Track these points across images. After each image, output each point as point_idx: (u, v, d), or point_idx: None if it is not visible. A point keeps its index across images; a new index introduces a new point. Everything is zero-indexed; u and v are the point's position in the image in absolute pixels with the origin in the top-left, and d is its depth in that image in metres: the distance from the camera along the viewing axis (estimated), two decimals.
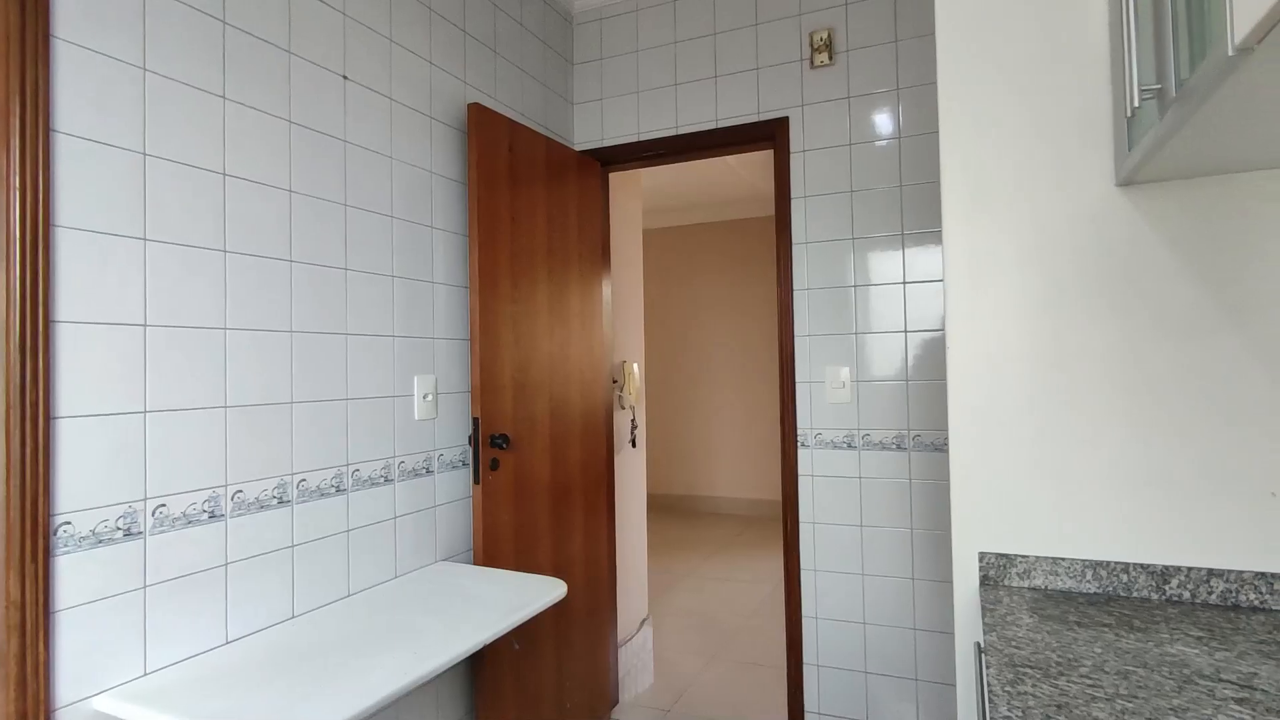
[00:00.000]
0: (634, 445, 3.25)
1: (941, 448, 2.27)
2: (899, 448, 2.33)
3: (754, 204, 6.25)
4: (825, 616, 2.40)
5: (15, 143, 1.12)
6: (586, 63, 2.90)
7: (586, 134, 2.89)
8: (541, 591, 1.71)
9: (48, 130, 1.16)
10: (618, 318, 3.12)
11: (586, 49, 2.90)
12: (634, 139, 2.80)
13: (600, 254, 2.83)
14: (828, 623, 2.40)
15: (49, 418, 1.13)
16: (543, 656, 2.30)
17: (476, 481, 2.06)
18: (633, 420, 3.25)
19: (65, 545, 1.14)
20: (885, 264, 2.38)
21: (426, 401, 1.98)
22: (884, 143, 2.39)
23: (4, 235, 1.10)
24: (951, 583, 2.22)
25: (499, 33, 2.43)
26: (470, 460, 2.15)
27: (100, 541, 1.19)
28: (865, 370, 2.39)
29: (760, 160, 5.09)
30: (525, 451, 2.27)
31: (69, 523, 1.15)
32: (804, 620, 2.43)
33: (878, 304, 2.38)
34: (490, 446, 2.10)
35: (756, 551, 5.18)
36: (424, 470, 1.97)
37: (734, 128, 2.63)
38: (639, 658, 3.07)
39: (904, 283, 2.35)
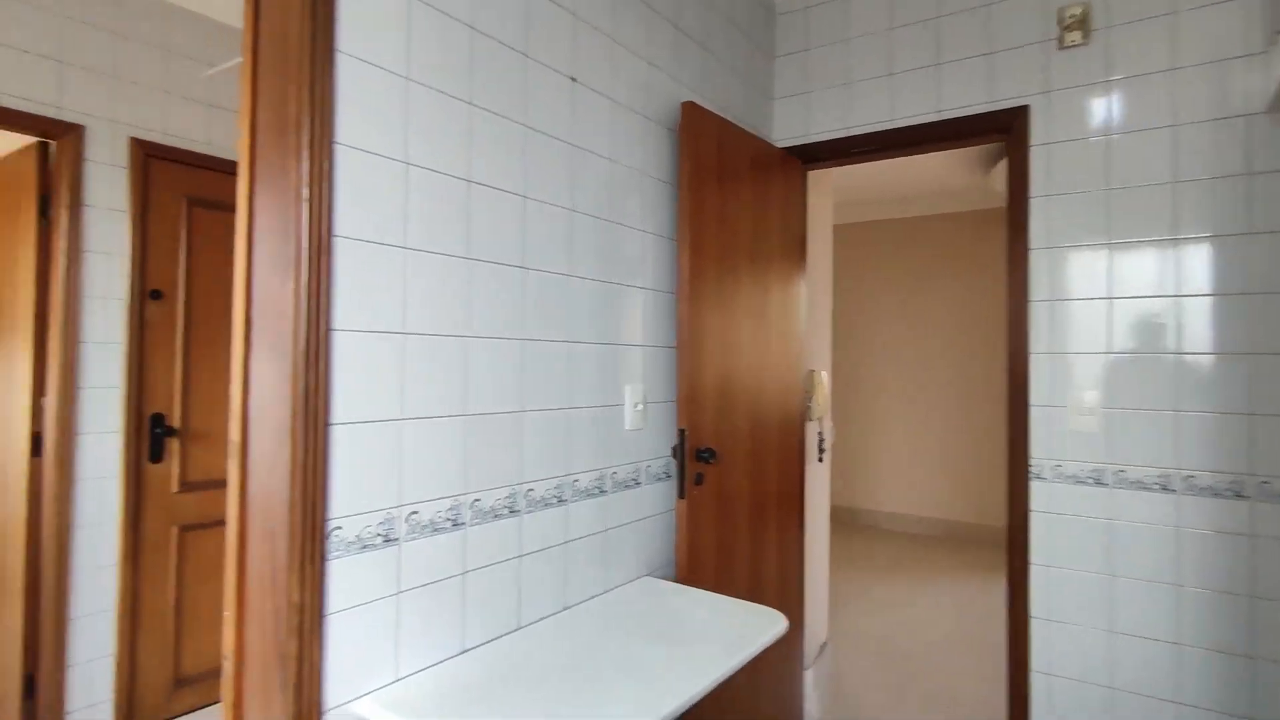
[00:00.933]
0: (821, 460, 3.06)
1: (1223, 493, 1.91)
2: (1164, 489, 1.98)
3: (939, 200, 5.79)
4: (1060, 674, 2.10)
5: (305, 155, 1.14)
6: (789, 55, 2.74)
7: (787, 130, 2.74)
8: (762, 624, 1.59)
9: (330, 142, 1.19)
10: (807, 323, 2.94)
11: (790, 40, 2.74)
12: (841, 134, 2.61)
13: (798, 257, 2.67)
14: (1063, 681, 2.10)
15: (326, 424, 1.16)
16: (737, 686, 2.19)
17: (681, 496, 1.98)
18: (820, 433, 3.06)
19: (336, 550, 1.17)
20: (1150, 274, 2.03)
21: (637, 411, 1.92)
22: (1153, 132, 2.04)
23: (294, 247, 1.14)
24: (1241, 655, 1.86)
25: (708, 26, 2.33)
26: (674, 473, 2.07)
27: (365, 547, 1.21)
28: (1119, 396, 2.06)
29: (951, 153, 4.68)
30: (727, 465, 2.16)
31: (340, 528, 1.17)
32: (1032, 675, 2.15)
33: (1139, 320, 2.04)
34: (696, 460, 2.01)
35: (931, 574, 4.79)
36: (633, 482, 1.92)
37: (959, 120, 2.37)
38: (820, 686, 2.89)
39: (1177, 296, 1.99)
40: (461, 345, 1.42)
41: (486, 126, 1.50)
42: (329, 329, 1.17)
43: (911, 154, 2.54)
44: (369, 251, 1.25)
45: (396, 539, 1.27)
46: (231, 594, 1.17)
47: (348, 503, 1.19)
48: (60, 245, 2.38)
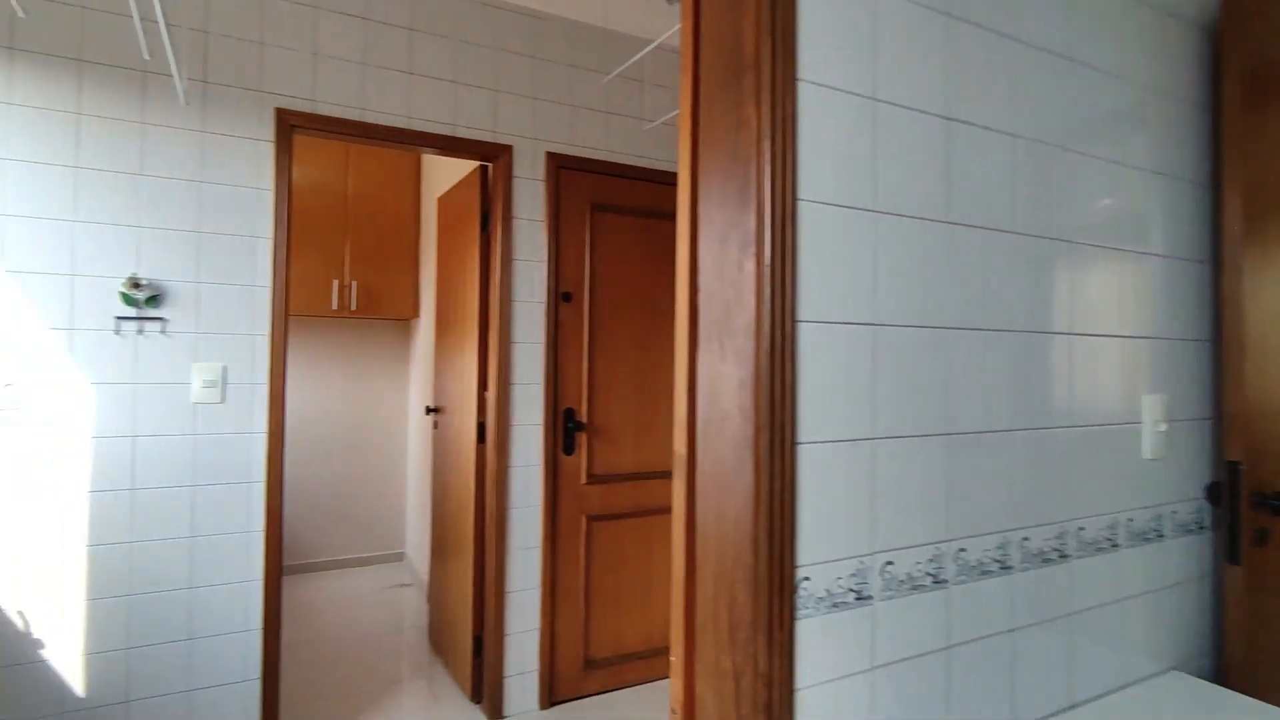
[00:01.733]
0: None
1: None
2: None
3: None
4: None
5: (766, 98, 0.90)
6: None
7: None
8: None
9: (793, 80, 0.93)
10: None
11: None
12: None
13: None
14: None
15: (794, 442, 0.90)
16: None
17: (1234, 560, 1.34)
18: None
19: (804, 607, 0.90)
20: None
21: (1159, 433, 1.35)
22: None
23: (755, 215, 0.90)
24: None
25: None
26: (1215, 524, 1.44)
27: (835, 605, 0.93)
28: None
29: None
30: None
31: (808, 578, 0.91)
32: None
33: None
34: (1255, 508, 1.35)
35: None
36: (1153, 533, 1.35)
37: None
38: None
39: None
40: (940, 340, 1.06)
41: (966, 42, 1.12)
42: (794, 320, 0.91)
43: None
44: (833, 218, 0.96)
45: (870, 597, 0.96)
46: (678, 638, 0.98)
47: (814, 546, 0.92)
48: (497, 254, 2.65)
